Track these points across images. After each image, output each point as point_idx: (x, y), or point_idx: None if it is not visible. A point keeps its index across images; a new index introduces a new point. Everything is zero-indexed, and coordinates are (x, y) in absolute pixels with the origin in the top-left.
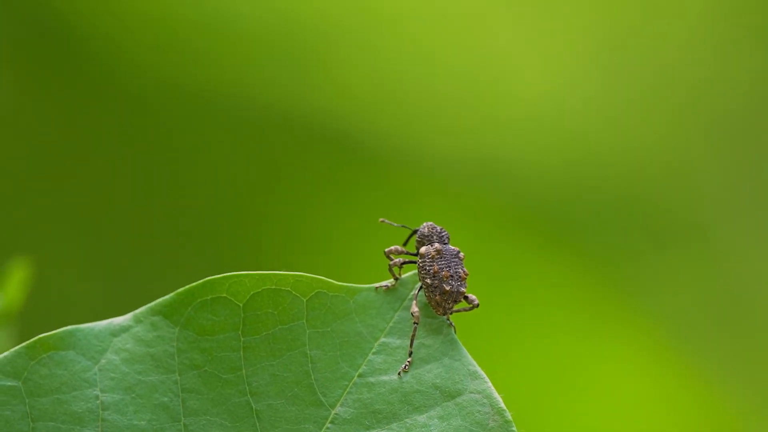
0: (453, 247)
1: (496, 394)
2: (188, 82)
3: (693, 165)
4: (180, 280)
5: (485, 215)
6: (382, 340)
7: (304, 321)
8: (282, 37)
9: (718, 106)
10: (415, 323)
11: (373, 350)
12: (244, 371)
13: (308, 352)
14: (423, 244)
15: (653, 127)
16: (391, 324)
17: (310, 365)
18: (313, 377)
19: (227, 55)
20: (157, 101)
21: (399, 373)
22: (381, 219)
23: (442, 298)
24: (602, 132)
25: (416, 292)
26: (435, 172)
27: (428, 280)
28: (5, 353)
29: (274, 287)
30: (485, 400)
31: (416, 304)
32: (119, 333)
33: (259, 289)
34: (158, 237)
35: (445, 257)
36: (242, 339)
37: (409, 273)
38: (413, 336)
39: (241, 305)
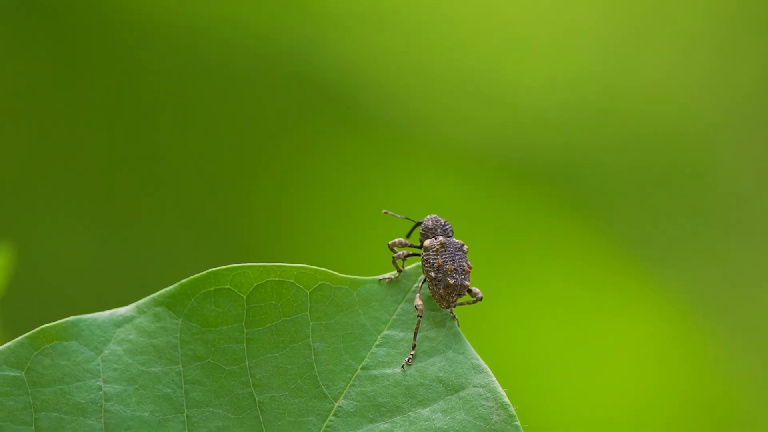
0: (457, 240)
1: (499, 388)
2: (185, 49)
3: (710, 133)
4: (183, 270)
5: (496, 180)
6: (386, 332)
7: (308, 313)
8: None
9: (748, 73)
10: (418, 316)
11: (377, 343)
12: (247, 363)
13: (311, 344)
14: (427, 237)
15: (678, 91)
16: (394, 317)
17: (313, 357)
18: (316, 369)
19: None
20: (151, 72)
21: (402, 366)
22: (384, 210)
23: (446, 291)
24: (621, 92)
25: (420, 284)
26: (441, 132)
27: (432, 273)
28: (8, 343)
29: (277, 279)
30: (489, 394)
31: (420, 297)
32: (122, 324)
33: (263, 281)
34: (162, 226)
35: (449, 250)
36: (245, 331)
37: (413, 265)
38: (417, 329)
39: (244, 297)
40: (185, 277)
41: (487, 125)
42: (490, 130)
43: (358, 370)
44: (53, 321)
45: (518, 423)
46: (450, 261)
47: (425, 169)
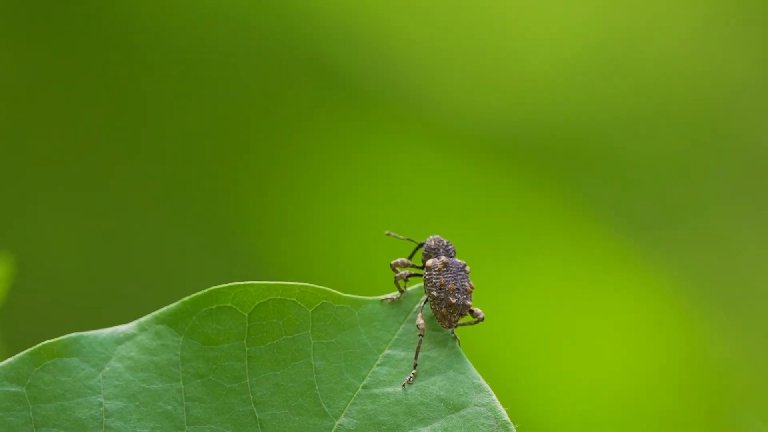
0: (459, 261)
1: (500, 407)
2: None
3: (706, 115)
4: (185, 286)
5: (491, 160)
6: (387, 352)
7: (309, 332)
8: None
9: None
10: (420, 335)
11: (378, 362)
12: (248, 380)
13: (313, 362)
14: (429, 257)
15: (678, 72)
16: (396, 336)
17: (314, 376)
18: (317, 388)
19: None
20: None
21: (403, 385)
22: (387, 232)
23: (448, 311)
24: (618, 70)
25: (421, 304)
26: (436, 111)
27: (434, 293)
28: (9, 359)
29: (279, 297)
30: (489, 413)
31: (421, 316)
32: (123, 341)
33: (265, 299)
34: (164, 244)
35: (451, 270)
36: (247, 348)
37: (415, 286)
38: (418, 348)
39: (246, 315)
40: (187, 294)
41: (482, 104)
42: (485, 109)
43: (359, 389)
44: (54, 337)
45: None
46: (452, 281)
47: (420, 147)
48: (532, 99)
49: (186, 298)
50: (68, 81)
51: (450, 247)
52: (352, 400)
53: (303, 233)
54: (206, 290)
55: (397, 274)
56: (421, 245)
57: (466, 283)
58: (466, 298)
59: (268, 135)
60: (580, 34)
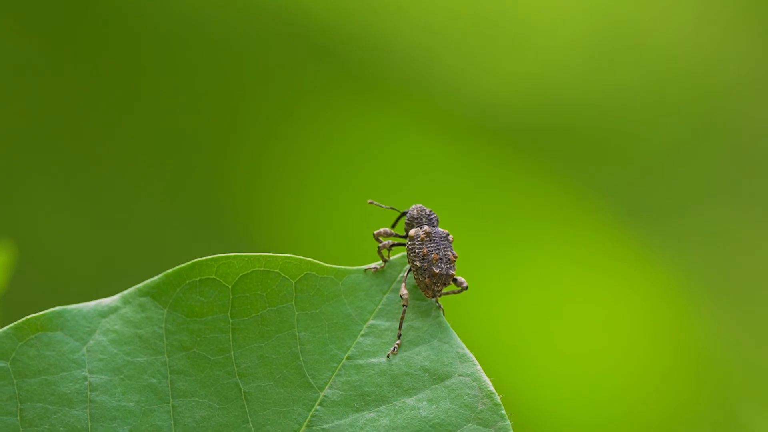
0: (442, 230)
1: (485, 377)
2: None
3: (705, 103)
4: (169, 260)
5: (486, 142)
6: (371, 322)
7: (293, 303)
8: None
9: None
10: (404, 305)
11: (362, 332)
12: (232, 353)
13: (297, 333)
14: (412, 227)
15: (680, 55)
16: (379, 306)
17: (298, 347)
18: (301, 359)
19: None
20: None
21: (388, 356)
22: (369, 200)
23: (432, 280)
24: (617, 55)
25: (405, 274)
26: (434, 93)
27: (417, 263)
28: None
29: (263, 269)
30: (474, 383)
31: (405, 286)
32: (107, 314)
33: (248, 271)
34: (148, 215)
35: (434, 240)
36: (231, 320)
37: (398, 255)
38: (402, 318)
39: (229, 287)
40: (170, 267)
41: (481, 87)
42: (484, 91)
43: (344, 360)
44: (38, 311)
45: (504, 411)
46: (435, 250)
47: (417, 128)
48: (532, 83)
49: (169, 271)
50: (59, 62)
51: (433, 216)
52: (336, 371)
53: (294, 209)
54: (189, 262)
55: (380, 244)
56: (403, 214)
57: (450, 253)
58: (450, 268)
59: (262, 113)
60: (582, 20)
